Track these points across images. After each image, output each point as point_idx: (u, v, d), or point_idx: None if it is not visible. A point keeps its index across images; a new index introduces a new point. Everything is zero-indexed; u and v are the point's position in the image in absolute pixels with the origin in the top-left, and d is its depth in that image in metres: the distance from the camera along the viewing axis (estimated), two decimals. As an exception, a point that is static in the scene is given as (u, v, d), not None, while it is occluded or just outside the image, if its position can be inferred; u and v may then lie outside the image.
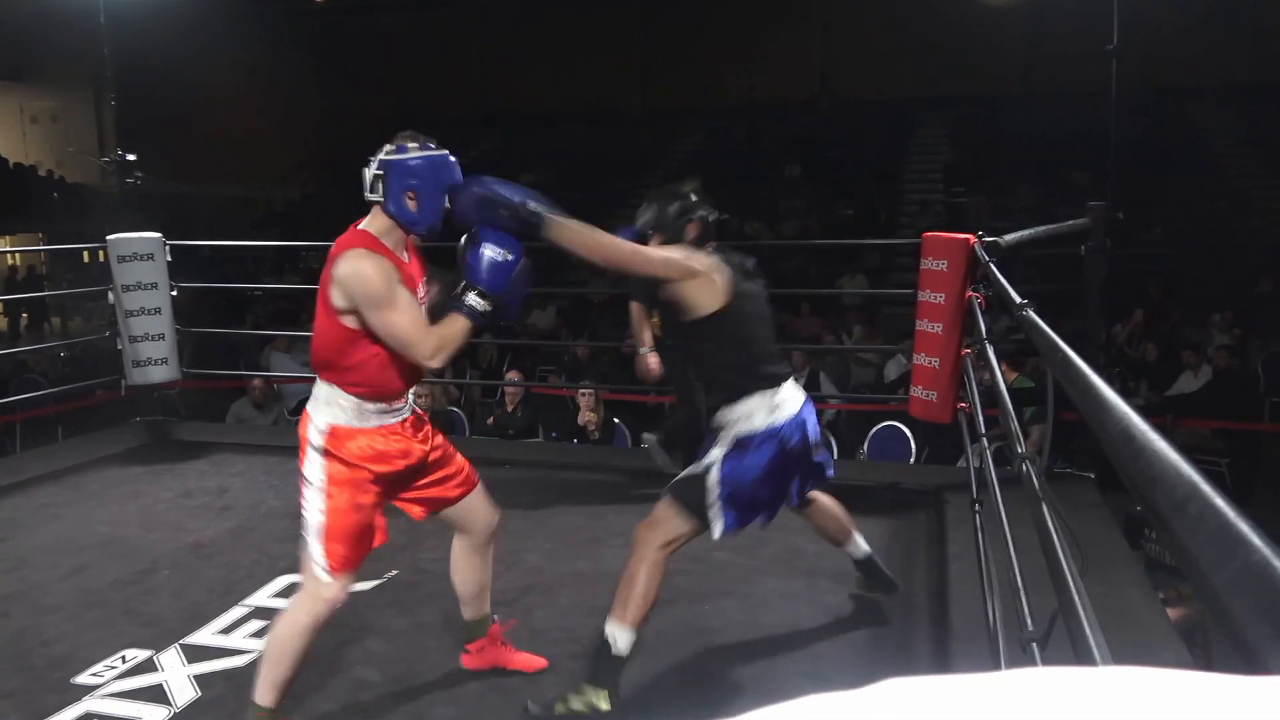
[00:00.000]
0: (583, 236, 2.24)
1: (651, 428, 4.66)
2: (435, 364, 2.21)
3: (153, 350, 5.18)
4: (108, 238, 5.22)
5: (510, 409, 6.23)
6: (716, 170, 17.45)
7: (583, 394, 5.73)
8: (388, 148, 2.20)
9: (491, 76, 22.01)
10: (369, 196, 2.20)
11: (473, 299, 2.20)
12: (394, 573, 3.39)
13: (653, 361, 3.94)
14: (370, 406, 2.26)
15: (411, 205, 2.17)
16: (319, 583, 2.24)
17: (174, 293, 5.27)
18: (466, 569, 2.58)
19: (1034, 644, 1.69)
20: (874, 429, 5.91)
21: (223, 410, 7.24)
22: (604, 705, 2.37)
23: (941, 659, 2.65)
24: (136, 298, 5.16)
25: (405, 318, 2.15)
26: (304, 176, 20.42)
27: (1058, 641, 1.69)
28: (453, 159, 2.23)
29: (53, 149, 20.83)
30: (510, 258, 2.20)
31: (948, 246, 3.97)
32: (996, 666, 2.09)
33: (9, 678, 2.66)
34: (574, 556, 3.55)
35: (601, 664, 2.41)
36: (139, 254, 5.15)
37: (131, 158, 5.89)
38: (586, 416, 5.69)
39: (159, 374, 5.22)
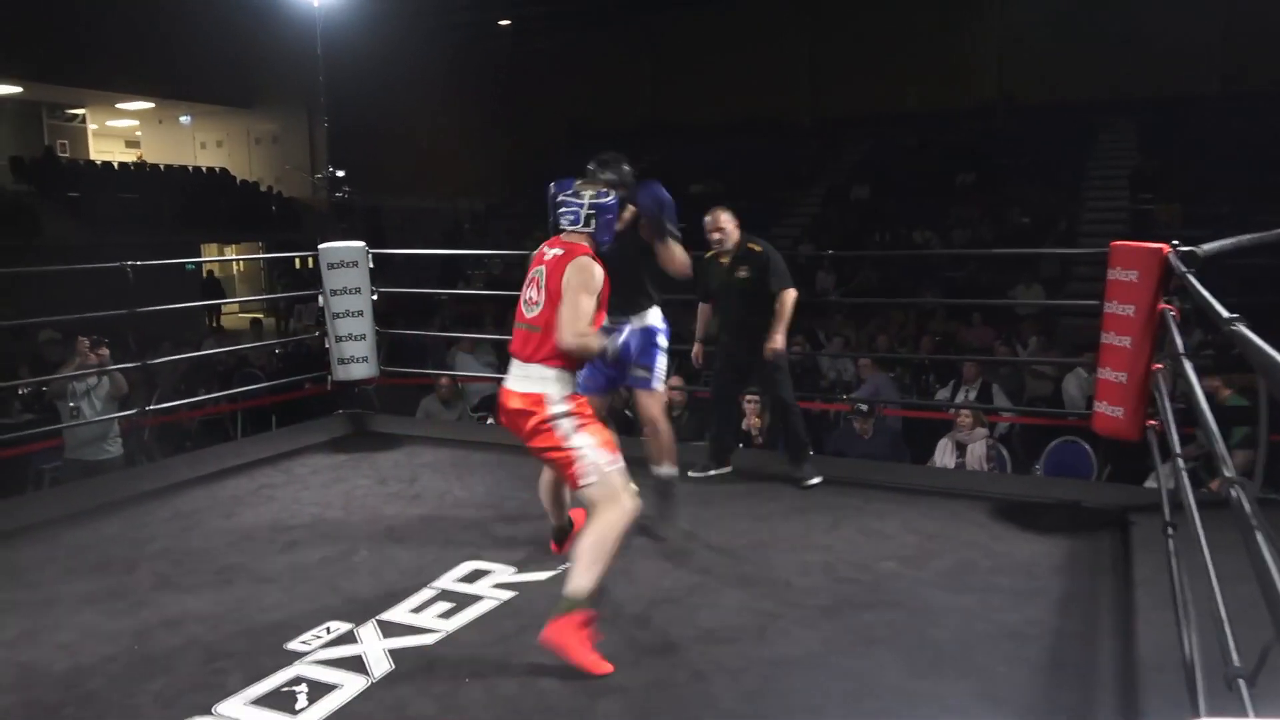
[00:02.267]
0: (675, 254, 3.46)
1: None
2: (566, 341, 2.83)
3: (355, 349, 5.53)
4: (319, 246, 5.61)
5: (675, 414, 6.26)
6: (885, 178, 16.99)
7: (749, 400, 5.69)
8: (592, 193, 3.00)
9: (661, 90, 22.27)
10: (577, 229, 2.98)
11: (610, 344, 2.89)
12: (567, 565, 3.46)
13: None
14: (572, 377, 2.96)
15: (607, 234, 3.03)
16: (621, 496, 2.80)
17: (374, 297, 5.61)
18: (553, 490, 3.33)
19: (1240, 680, 1.54)
20: (1051, 444, 5.58)
21: (413, 406, 7.64)
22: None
23: (1128, 688, 2.46)
24: (342, 301, 5.52)
25: (588, 307, 2.87)
26: (487, 190, 21.31)
27: (1269, 680, 1.54)
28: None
29: (272, 167, 22.65)
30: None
31: (1139, 256, 3.70)
32: (1194, 701, 1.92)
33: (233, 641, 2.90)
34: (739, 559, 3.52)
35: (666, 487, 3.82)
36: (345, 261, 5.52)
37: (340, 174, 6.30)
38: (752, 421, 5.65)
39: (360, 371, 5.57)
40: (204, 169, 21.62)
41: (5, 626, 3.03)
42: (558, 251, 2.94)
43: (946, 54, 18.88)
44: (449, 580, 3.34)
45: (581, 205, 2.97)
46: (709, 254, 4.54)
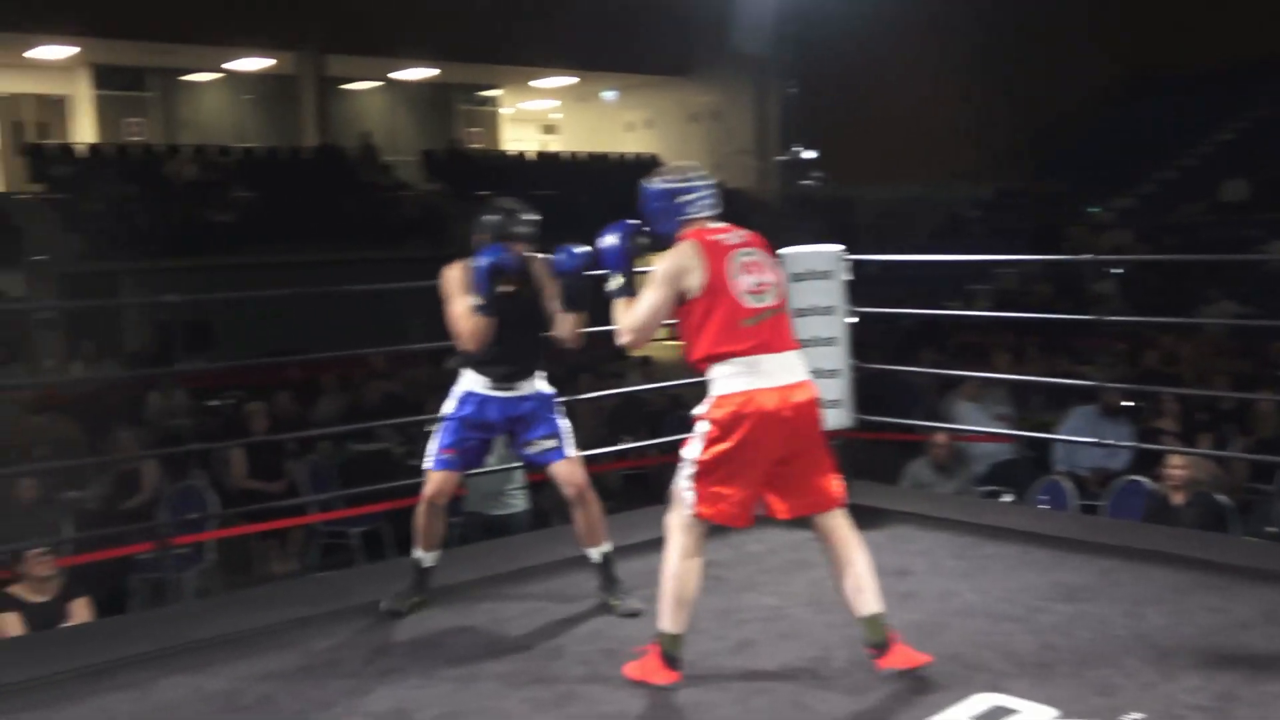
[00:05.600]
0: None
1: None
2: None
3: (825, 389, 5.72)
4: (779, 251, 5.94)
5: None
6: None
7: (1175, 468, 5.12)
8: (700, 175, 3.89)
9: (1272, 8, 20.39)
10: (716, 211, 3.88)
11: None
12: (1137, 715, 3.31)
13: None
14: None
15: None
16: None
17: (853, 319, 5.81)
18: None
19: None
20: None
21: (894, 470, 7.75)
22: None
23: None
24: (809, 324, 5.78)
25: None
26: (999, 169, 21.03)
27: None
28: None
29: (711, 151, 24.42)
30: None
31: None
32: None
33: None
34: None
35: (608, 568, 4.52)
36: (814, 271, 5.79)
37: (809, 155, 6.63)
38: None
39: (830, 419, 5.76)
40: (630, 157, 23.97)
41: (426, 705, 3.62)
42: (744, 232, 3.79)
43: None
44: (958, 717, 3.36)
45: (709, 188, 3.84)
46: None
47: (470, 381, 4.39)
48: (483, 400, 4.36)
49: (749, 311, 3.59)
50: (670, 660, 3.66)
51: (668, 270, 3.64)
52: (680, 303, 3.64)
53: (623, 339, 3.76)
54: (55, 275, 16.12)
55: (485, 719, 3.49)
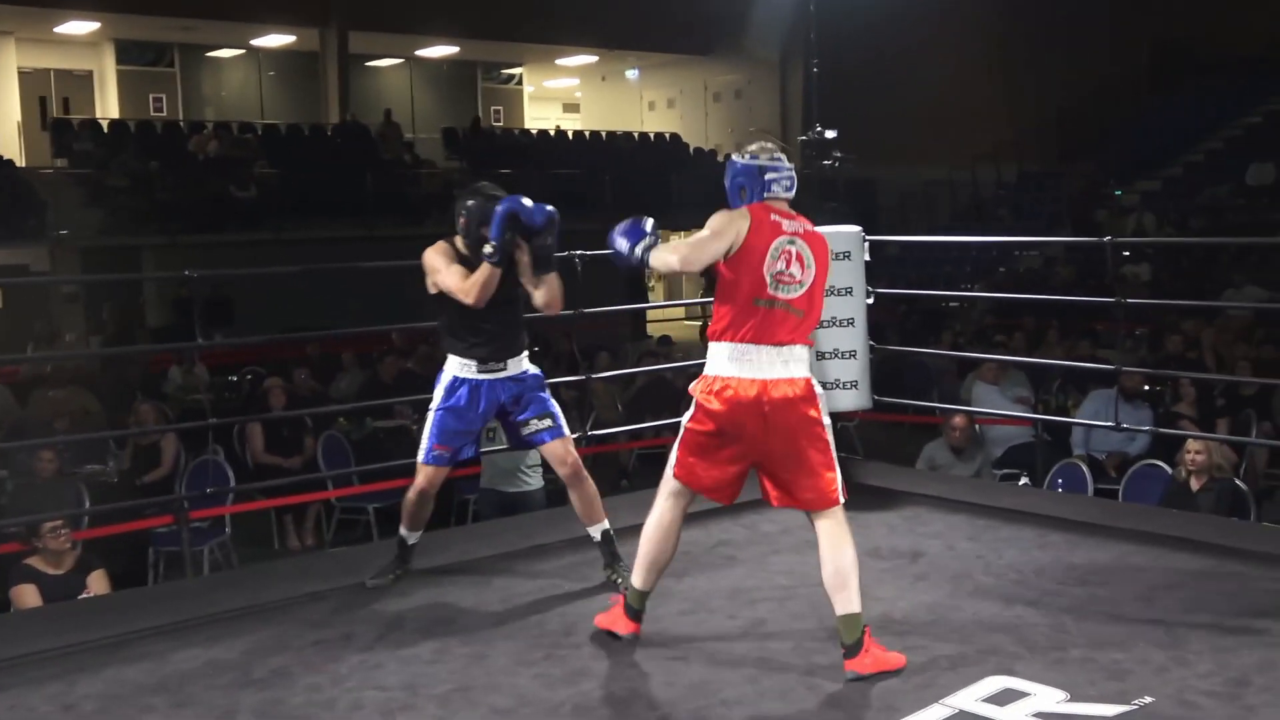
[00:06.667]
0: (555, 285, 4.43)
1: None
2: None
3: (842, 370, 5.75)
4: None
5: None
6: None
7: (1193, 453, 5.13)
8: (785, 156, 3.66)
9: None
10: (790, 195, 3.66)
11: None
12: (1147, 699, 3.30)
13: None
14: None
15: None
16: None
17: (870, 300, 5.79)
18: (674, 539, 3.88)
19: None
20: None
21: (908, 451, 7.75)
22: None
23: None
24: (827, 305, 5.75)
25: None
26: (1023, 152, 20.88)
27: None
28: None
29: (733, 130, 24.34)
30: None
31: None
32: None
33: (687, 734, 3.18)
34: None
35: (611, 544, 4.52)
36: (835, 252, 5.74)
37: (831, 134, 6.61)
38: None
39: (847, 401, 5.77)
40: (651, 136, 23.90)
41: (438, 680, 3.63)
42: (805, 223, 3.64)
43: None
44: (968, 699, 3.35)
45: (791, 169, 3.65)
46: None
47: (457, 367, 4.36)
48: (473, 387, 4.32)
49: (767, 295, 3.54)
50: (631, 612, 3.83)
51: (721, 221, 3.56)
52: (723, 257, 3.55)
53: (675, 264, 3.67)
54: (78, 250, 16.16)
55: (496, 695, 3.49)
